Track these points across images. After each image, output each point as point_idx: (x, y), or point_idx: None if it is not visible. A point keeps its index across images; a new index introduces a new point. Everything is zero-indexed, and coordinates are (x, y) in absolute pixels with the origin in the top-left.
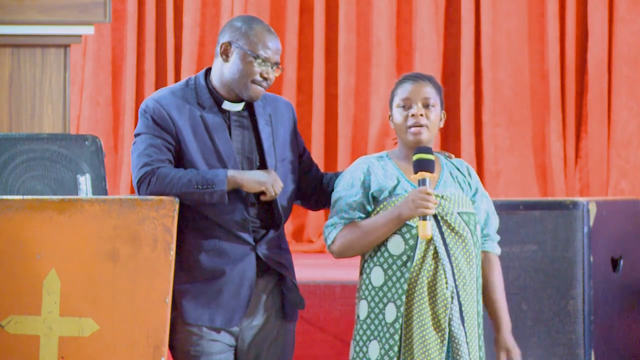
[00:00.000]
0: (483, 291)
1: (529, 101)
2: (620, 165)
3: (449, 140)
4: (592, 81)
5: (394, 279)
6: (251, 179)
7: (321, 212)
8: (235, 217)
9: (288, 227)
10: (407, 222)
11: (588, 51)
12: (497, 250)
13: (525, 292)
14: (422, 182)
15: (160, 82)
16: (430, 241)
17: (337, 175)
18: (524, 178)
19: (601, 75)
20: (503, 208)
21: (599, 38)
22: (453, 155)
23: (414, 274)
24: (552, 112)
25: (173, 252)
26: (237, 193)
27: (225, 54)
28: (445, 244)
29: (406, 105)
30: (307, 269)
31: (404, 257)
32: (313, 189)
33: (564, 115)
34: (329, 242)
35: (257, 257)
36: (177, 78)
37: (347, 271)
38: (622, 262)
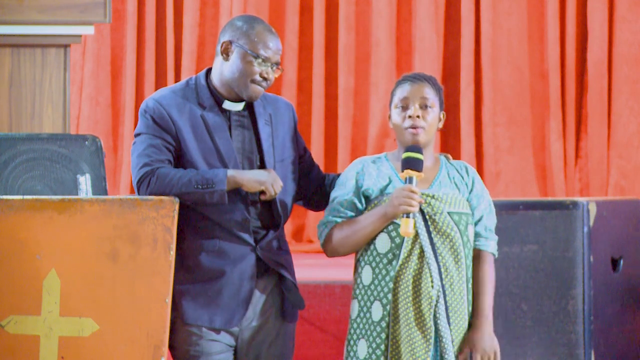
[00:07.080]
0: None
1: (529, 101)
2: (620, 165)
3: (449, 140)
4: (592, 81)
5: (380, 277)
6: (251, 179)
7: (321, 213)
8: (236, 217)
9: (288, 227)
10: (394, 221)
11: (588, 51)
12: (490, 248)
13: (525, 292)
14: (408, 180)
15: (160, 82)
16: (416, 239)
17: (339, 176)
18: (524, 178)
19: (601, 75)
20: (503, 208)
21: (599, 38)
22: (450, 157)
23: (400, 272)
24: (552, 112)
25: (173, 252)
26: (237, 193)
27: (226, 53)
28: (432, 243)
29: (404, 106)
30: (307, 269)
31: (390, 255)
32: (314, 189)
33: (564, 115)
34: (321, 240)
35: (257, 258)
36: (177, 78)
37: (347, 271)
38: (622, 262)
